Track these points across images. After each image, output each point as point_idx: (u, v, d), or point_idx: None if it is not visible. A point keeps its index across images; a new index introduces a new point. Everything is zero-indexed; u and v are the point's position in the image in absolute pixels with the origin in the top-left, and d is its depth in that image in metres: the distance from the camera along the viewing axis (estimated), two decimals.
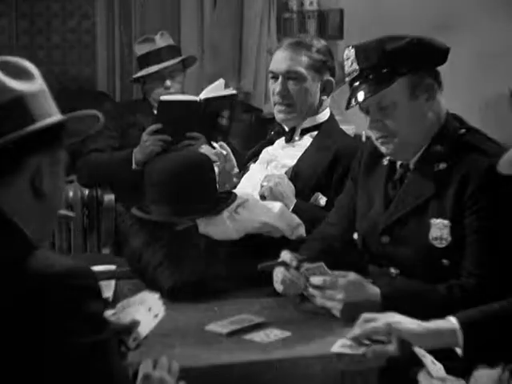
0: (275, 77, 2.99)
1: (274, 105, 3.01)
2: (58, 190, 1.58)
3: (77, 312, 1.40)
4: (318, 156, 2.90)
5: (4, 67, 1.51)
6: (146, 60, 3.99)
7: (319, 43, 2.99)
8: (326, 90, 3.00)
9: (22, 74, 1.52)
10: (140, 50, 4.05)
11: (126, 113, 3.98)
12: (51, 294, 1.39)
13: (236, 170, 3.14)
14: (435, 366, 1.83)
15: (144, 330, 1.86)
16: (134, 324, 1.84)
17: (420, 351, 1.83)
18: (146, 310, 1.90)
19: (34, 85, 1.53)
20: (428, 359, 1.83)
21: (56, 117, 1.55)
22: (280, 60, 2.97)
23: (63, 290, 1.39)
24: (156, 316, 1.94)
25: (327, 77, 2.99)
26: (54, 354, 1.38)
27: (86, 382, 1.41)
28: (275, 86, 2.98)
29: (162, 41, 4.03)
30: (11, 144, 1.46)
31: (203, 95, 3.54)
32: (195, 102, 3.52)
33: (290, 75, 2.95)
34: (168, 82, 3.93)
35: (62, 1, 5.19)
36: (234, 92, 3.62)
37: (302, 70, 2.94)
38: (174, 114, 3.55)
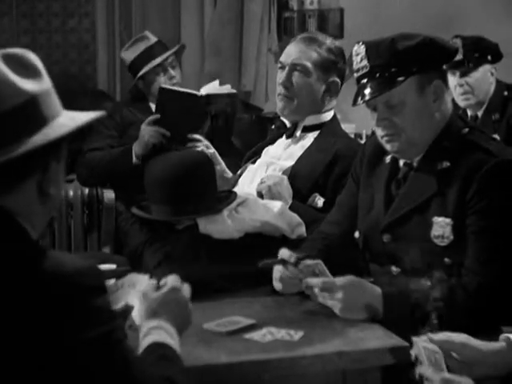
0: (282, 67, 3.00)
1: (278, 96, 3.02)
2: (60, 188, 1.57)
3: (86, 309, 1.43)
4: (317, 156, 2.89)
5: (12, 63, 1.46)
6: (148, 55, 4.00)
7: (332, 43, 2.99)
8: (331, 90, 2.99)
9: (31, 72, 1.48)
10: (135, 51, 4.04)
11: (126, 112, 3.98)
12: (61, 293, 1.41)
13: (229, 173, 3.12)
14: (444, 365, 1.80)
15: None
16: (128, 309, 1.81)
17: (434, 347, 1.79)
18: (137, 293, 1.87)
19: (43, 83, 1.49)
20: (441, 355, 1.79)
21: (67, 119, 1.52)
22: (290, 51, 2.99)
23: (73, 289, 1.42)
24: None
25: (334, 78, 2.97)
26: (68, 350, 1.40)
27: (103, 370, 1.44)
28: (280, 76, 2.99)
29: (152, 37, 4.07)
30: (32, 152, 1.43)
31: (203, 91, 3.55)
32: (196, 95, 3.52)
33: (296, 67, 2.95)
34: (172, 72, 3.97)
35: (63, 0, 5.19)
36: (235, 91, 3.62)
37: (309, 64, 2.94)
38: (174, 103, 3.54)
